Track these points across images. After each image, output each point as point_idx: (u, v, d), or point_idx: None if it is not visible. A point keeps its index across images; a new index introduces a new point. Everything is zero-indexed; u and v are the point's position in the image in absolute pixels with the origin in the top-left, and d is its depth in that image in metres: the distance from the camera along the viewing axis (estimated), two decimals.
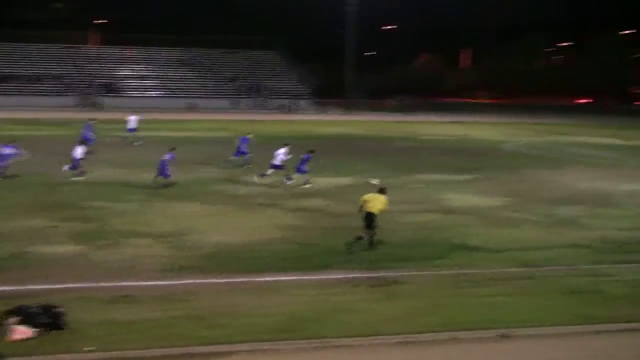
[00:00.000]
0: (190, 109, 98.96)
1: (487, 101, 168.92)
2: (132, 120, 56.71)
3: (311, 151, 39.18)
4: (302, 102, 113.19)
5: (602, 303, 20.01)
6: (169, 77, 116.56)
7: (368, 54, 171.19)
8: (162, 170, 36.61)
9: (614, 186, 41.07)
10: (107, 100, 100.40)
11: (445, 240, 26.59)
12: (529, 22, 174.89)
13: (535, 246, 26.13)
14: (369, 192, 26.80)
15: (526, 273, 22.63)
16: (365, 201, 25.53)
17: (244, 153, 44.41)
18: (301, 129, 72.41)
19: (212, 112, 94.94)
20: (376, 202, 25.36)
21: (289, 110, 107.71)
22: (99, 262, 22.55)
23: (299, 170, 38.40)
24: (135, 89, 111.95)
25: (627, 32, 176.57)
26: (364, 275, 21.81)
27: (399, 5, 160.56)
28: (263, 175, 39.18)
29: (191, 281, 20.79)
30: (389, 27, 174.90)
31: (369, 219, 25.10)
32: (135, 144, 54.05)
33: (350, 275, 21.73)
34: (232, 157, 44.62)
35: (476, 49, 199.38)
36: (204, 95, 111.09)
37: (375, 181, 38.51)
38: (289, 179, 38.36)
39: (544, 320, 18.50)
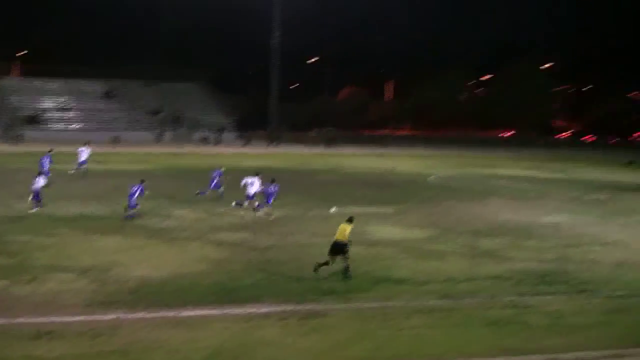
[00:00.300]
0: (114, 142, 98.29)
1: (411, 133, 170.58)
2: (84, 152, 56.15)
3: (273, 180, 39.66)
4: (226, 135, 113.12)
5: (524, 334, 20.43)
6: (92, 109, 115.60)
7: (292, 85, 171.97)
8: (130, 202, 37.00)
9: (536, 218, 41.85)
10: (30, 133, 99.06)
11: (369, 272, 26.82)
12: (451, 55, 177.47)
13: (459, 278, 26.54)
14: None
15: (449, 305, 22.99)
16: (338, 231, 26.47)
17: (217, 187, 44.22)
18: (225, 162, 72.19)
19: (136, 145, 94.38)
20: (344, 231, 26.38)
21: (213, 142, 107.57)
22: (21, 297, 22.32)
23: (268, 201, 38.70)
24: (58, 121, 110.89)
25: (547, 65, 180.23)
26: (290, 308, 21.95)
27: (323, 37, 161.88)
28: (239, 204, 39.89)
29: (116, 316, 20.69)
30: (313, 59, 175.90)
31: (337, 247, 26.02)
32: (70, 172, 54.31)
33: (276, 309, 21.84)
34: (207, 191, 44.35)
35: (400, 81, 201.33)
36: (127, 128, 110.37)
37: (333, 210, 38.96)
38: (260, 207, 38.97)
39: (466, 352, 18.84)
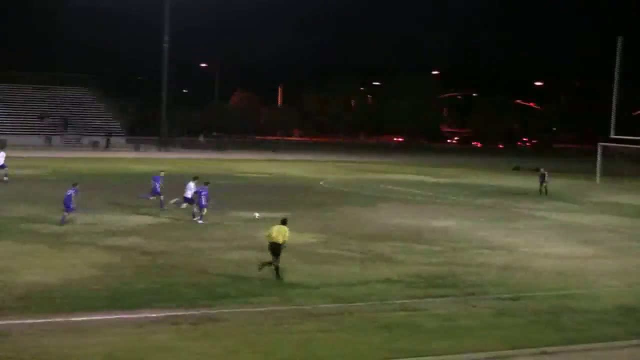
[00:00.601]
0: (1, 146, 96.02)
1: (302, 139, 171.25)
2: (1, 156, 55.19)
3: (206, 183, 40.35)
4: (116, 140, 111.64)
5: (414, 337, 20.67)
6: None
7: (184, 91, 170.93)
8: (67, 206, 36.60)
9: (425, 222, 42.43)
10: None
11: (261, 277, 26.74)
12: (342, 62, 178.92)
13: (351, 282, 26.73)
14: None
15: (342, 309, 23.11)
16: (270, 233, 27.10)
17: (158, 193, 43.29)
18: (116, 166, 71.52)
19: (24, 150, 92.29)
20: (279, 233, 26.87)
21: (103, 147, 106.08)
22: None
23: (201, 205, 38.83)
24: None
25: (435, 72, 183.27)
26: (182, 313, 21.79)
27: (215, 43, 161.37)
28: (178, 204, 40.86)
29: (4, 322, 20.22)
30: (204, 64, 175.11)
31: (274, 248, 26.66)
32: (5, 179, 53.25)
33: (168, 314, 21.65)
34: (150, 197, 43.57)
35: (291, 87, 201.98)
36: (14, 132, 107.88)
37: (257, 215, 38.82)
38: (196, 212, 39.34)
39: (358, 355, 18.97)
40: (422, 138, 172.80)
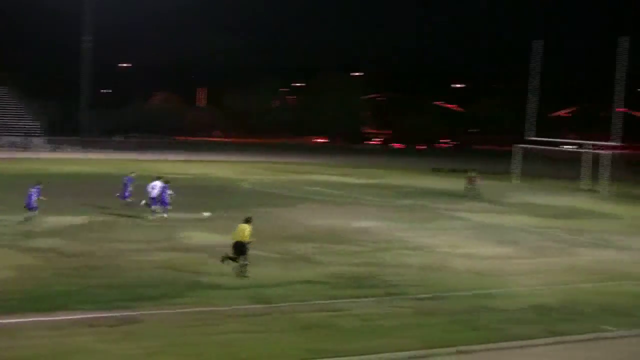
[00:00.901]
0: None
1: (224, 140, 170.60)
2: None
3: (167, 182, 41.60)
4: (35, 140, 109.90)
5: (335, 337, 20.79)
6: None
7: (104, 91, 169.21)
8: (29, 204, 36.93)
9: (347, 223, 42.60)
10: None
11: (183, 278, 26.74)
12: (265, 62, 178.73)
13: (272, 283, 26.77)
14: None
15: (263, 309, 23.15)
16: (234, 232, 28.19)
17: (129, 194, 42.81)
18: (36, 167, 70.43)
19: None
20: (243, 232, 27.76)
21: (23, 148, 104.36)
22: None
23: (163, 203, 40.29)
24: None
25: (357, 74, 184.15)
26: (101, 315, 21.61)
27: (135, 44, 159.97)
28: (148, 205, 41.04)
29: None
30: (125, 64, 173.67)
31: (239, 247, 27.51)
32: None
33: (87, 316, 21.45)
34: (123, 199, 43.07)
35: (213, 88, 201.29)
36: None
37: (206, 214, 38.80)
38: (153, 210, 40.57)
39: (279, 356, 19.03)
40: (345, 139, 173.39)
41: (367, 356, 19.36)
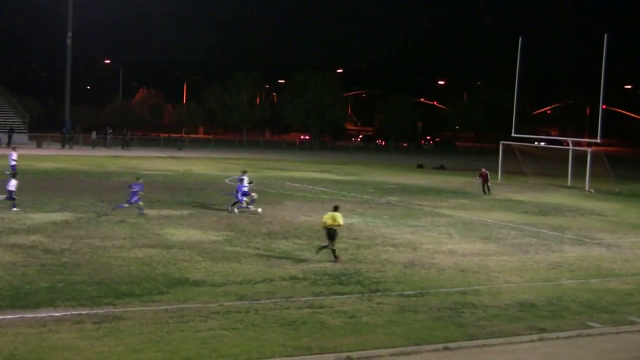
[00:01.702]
0: None
1: (206, 136, 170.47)
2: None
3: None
4: (18, 136, 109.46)
5: (319, 334, 20.75)
6: None
7: (87, 87, 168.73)
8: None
9: None
10: None
11: (165, 275, 26.67)
12: (247, 60, 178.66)
13: (255, 279, 26.72)
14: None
15: (246, 306, 23.09)
16: (325, 220, 30.63)
17: (137, 200, 41.78)
18: (19, 163, 70.02)
19: None
20: (333, 218, 30.29)
21: (5, 144, 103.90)
22: None
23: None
24: None
25: (339, 70, 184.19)
26: (85, 312, 21.50)
27: (117, 40, 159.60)
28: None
29: None
30: (108, 60, 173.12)
31: (330, 232, 30.33)
32: None
33: (71, 313, 21.34)
34: (126, 205, 41.99)
35: (195, 85, 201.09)
36: None
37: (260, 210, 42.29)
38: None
39: (263, 353, 18.97)
40: (327, 136, 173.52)
41: (352, 353, 19.32)
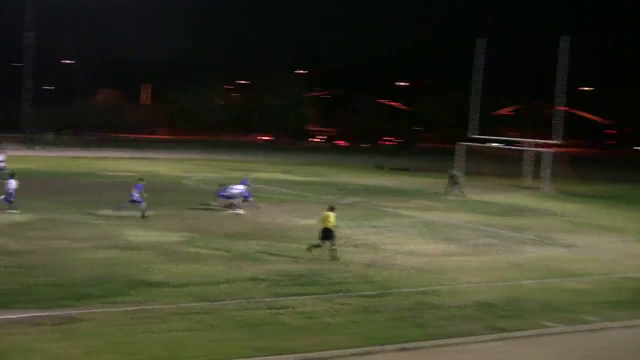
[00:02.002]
0: None
1: (168, 137, 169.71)
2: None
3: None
4: None
5: (279, 334, 20.76)
6: None
7: (46, 87, 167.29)
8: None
9: (292, 221, 42.64)
10: None
11: (126, 276, 26.55)
12: (210, 60, 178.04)
13: (216, 280, 26.67)
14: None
15: (206, 307, 23.04)
16: (320, 219, 32.29)
17: (139, 201, 41.65)
18: None
19: None
20: (328, 219, 31.68)
21: None
22: None
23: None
24: None
25: (301, 72, 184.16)
26: (43, 314, 21.35)
27: (77, 40, 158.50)
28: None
29: None
30: (68, 61, 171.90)
31: (326, 232, 31.54)
32: None
33: (28, 315, 21.18)
34: (126, 205, 41.93)
35: (157, 85, 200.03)
36: None
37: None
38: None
39: (223, 354, 18.95)
40: (289, 136, 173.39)
41: (311, 353, 19.35)
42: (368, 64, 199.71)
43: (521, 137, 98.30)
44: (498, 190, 69.12)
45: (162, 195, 52.75)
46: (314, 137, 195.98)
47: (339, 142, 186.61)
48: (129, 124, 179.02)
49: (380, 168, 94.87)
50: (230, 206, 45.37)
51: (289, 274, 28.39)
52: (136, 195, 41.37)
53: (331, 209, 32.33)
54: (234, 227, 39.56)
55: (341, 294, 25.68)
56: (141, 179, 44.27)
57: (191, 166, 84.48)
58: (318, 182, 70.75)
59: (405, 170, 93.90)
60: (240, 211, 44.90)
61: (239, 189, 45.91)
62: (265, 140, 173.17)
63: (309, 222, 42.01)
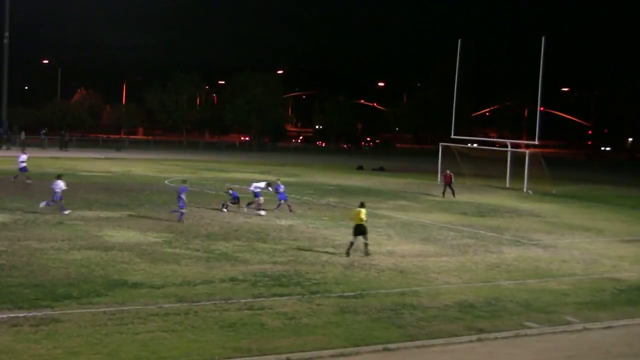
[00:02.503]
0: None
1: (145, 137, 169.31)
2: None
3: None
4: None
5: (259, 335, 20.77)
6: None
7: (24, 87, 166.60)
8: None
9: (270, 221, 42.62)
10: None
11: (104, 277, 26.50)
12: (187, 60, 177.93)
13: (195, 281, 26.66)
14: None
15: (186, 308, 23.02)
16: (351, 216, 34.40)
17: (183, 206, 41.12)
18: None
19: None
20: (359, 215, 33.15)
21: None
22: None
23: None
24: None
25: (279, 71, 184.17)
26: (22, 314, 21.28)
27: (55, 40, 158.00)
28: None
29: None
30: (46, 61, 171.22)
31: (358, 228, 32.95)
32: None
33: (7, 316, 21.10)
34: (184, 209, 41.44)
35: (135, 85, 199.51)
36: None
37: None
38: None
39: (202, 355, 18.94)
40: (267, 137, 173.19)
41: (291, 354, 19.37)
42: (346, 64, 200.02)
43: (499, 137, 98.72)
44: (476, 190, 69.31)
45: (140, 195, 52.71)
46: (292, 138, 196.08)
47: (317, 142, 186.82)
48: (106, 124, 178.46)
49: (360, 169, 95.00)
50: (251, 205, 46.29)
51: (269, 275, 28.40)
52: (183, 198, 41.14)
53: (362, 205, 33.82)
54: (213, 227, 39.54)
55: (320, 294, 25.72)
56: (185, 181, 44.34)
57: (169, 167, 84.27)
58: (295, 182, 70.56)
59: (382, 170, 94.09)
60: (262, 212, 45.26)
61: (260, 186, 46.87)
62: (243, 140, 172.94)
63: (288, 223, 42.18)
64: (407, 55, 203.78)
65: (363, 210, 33.22)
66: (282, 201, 47.77)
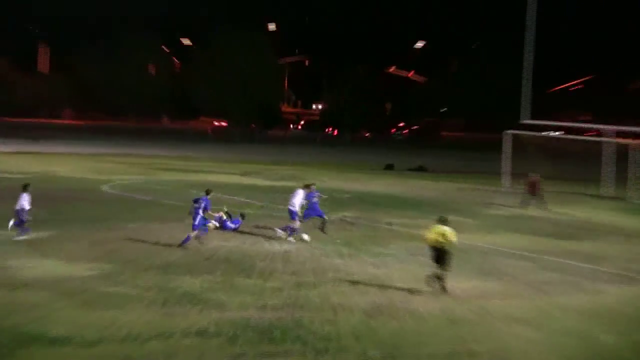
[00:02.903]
0: None
1: (76, 122, 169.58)
2: None
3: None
4: None
5: None
6: None
7: None
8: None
9: (258, 245, 42.48)
10: None
11: (13, 329, 26.14)
12: (134, 12, 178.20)
13: (146, 335, 26.18)
14: None
15: None
16: (429, 234, 33.68)
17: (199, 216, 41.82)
18: None
19: None
20: (440, 235, 33.23)
21: None
22: None
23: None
24: None
25: (271, 27, 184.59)
26: None
27: None
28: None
29: None
30: None
31: (438, 254, 33.29)
32: None
33: None
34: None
35: (59, 50, 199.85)
36: None
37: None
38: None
39: None
40: (254, 122, 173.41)
41: None
42: (367, 16, 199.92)
43: (593, 122, 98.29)
44: (561, 200, 69.01)
45: (67, 206, 52.49)
46: (289, 124, 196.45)
47: (326, 130, 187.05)
48: (22, 104, 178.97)
49: (389, 168, 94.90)
50: (287, 230, 45.64)
51: (254, 326, 27.89)
52: (198, 209, 41.71)
53: (443, 221, 33.90)
54: (174, 255, 39.13)
55: (332, 354, 25.24)
56: (209, 191, 44.50)
57: (110, 165, 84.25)
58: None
59: (422, 170, 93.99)
60: (306, 236, 45.13)
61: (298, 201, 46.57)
62: (218, 127, 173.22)
63: (283, 248, 41.75)
64: (457, 4, 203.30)
65: (447, 230, 33.35)
66: (316, 217, 47.62)
